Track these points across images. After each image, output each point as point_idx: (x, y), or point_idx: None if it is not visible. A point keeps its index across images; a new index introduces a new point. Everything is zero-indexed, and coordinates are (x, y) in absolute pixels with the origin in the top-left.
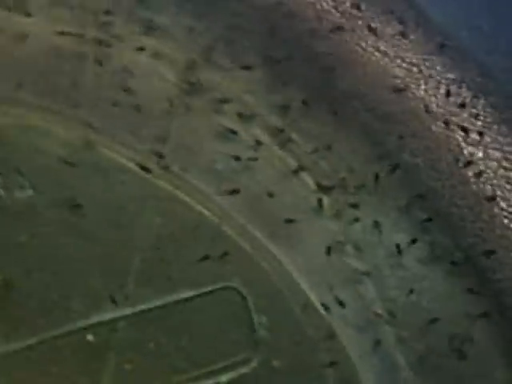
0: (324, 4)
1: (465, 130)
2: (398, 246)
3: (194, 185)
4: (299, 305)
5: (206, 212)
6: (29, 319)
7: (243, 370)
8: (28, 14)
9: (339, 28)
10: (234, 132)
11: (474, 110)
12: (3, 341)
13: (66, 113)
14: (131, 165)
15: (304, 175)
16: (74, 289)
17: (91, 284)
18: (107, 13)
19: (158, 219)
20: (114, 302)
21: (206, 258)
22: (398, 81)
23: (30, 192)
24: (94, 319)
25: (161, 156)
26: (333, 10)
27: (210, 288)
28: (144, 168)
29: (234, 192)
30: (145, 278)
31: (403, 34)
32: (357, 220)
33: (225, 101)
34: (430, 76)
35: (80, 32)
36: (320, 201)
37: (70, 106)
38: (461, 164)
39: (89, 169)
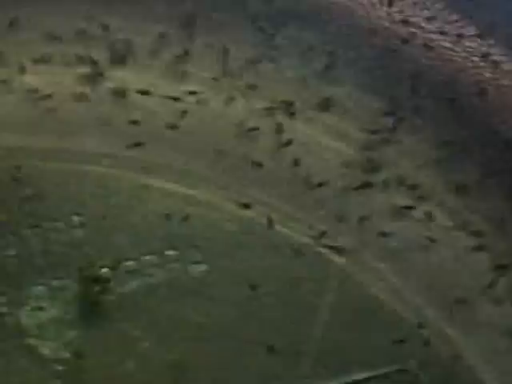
0: None
1: None
2: None
3: (369, 264)
4: None
5: (381, 294)
6: None
7: None
8: None
9: None
10: (409, 209)
11: None
12: None
13: (242, 191)
14: (308, 242)
15: (481, 254)
16: (247, 369)
17: (265, 363)
18: None
19: (334, 299)
20: (288, 382)
21: (381, 340)
22: None
23: (203, 267)
24: None
25: (338, 234)
26: None
27: (385, 370)
28: (320, 246)
29: (408, 271)
30: (320, 358)
31: None
32: None
33: (401, 178)
34: None
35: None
36: (495, 280)
37: (245, 184)
38: None
39: (264, 246)
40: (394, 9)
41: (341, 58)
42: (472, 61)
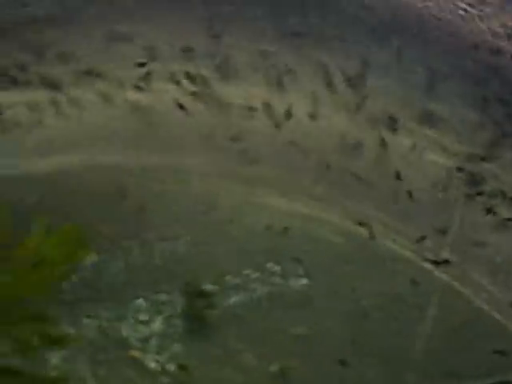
0: None
1: None
2: None
3: (471, 277)
4: None
5: (485, 306)
6: None
7: None
8: None
9: None
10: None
11: None
12: None
13: (344, 204)
14: (410, 255)
15: None
16: (352, 381)
17: (369, 376)
18: None
19: (434, 311)
20: None
21: (483, 352)
22: None
23: (304, 281)
24: None
25: (439, 247)
26: None
27: (487, 382)
28: (422, 259)
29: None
30: (423, 371)
31: None
32: None
33: (504, 191)
34: None
35: None
36: None
37: (347, 197)
38: None
39: (366, 259)
40: (496, 23)
41: (443, 73)
42: None
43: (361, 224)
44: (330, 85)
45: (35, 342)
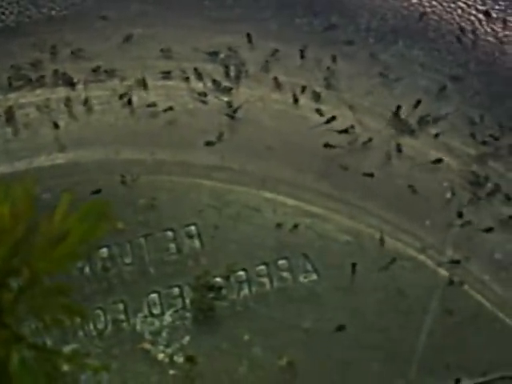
0: None
1: None
2: None
3: (473, 274)
4: None
5: (484, 301)
6: None
7: None
8: None
9: None
10: None
11: None
12: None
13: (352, 202)
14: (415, 253)
15: None
16: (356, 374)
17: (373, 369)
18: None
19: (436, 306)
20: None
21: (485, 347)
22: None
23: (313, 277)
24: None
25: (444, 245)
26: None
27: (488, 377)
28: (427, 256)
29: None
30: (426, 366)
31: None
32: None
33: (508, 191)
34: None
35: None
36: None
37: (354, 195)
38: None
39: (372, 256)
40: (498, 24)
41: (448, 74)
42: None
43: (368, 222)
44: (332, 85)
45: (59, 316)
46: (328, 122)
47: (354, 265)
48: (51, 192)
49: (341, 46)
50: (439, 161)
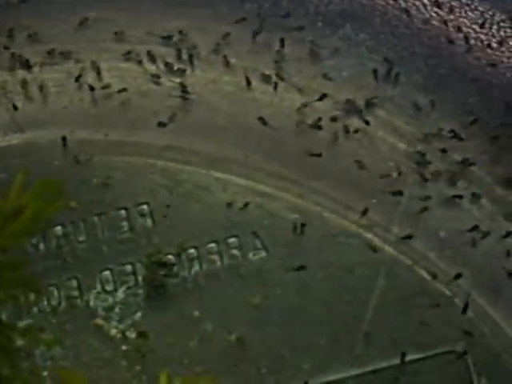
0: None
1: None
2: None
3: (418, 250)
4: None
5: (428, 277)
6: (260, 377)
7: None
8: None
9: None
10: (459, 198)
11: None
12: None
13: (300, 182)
14: (358, 230)
15: None
16: (304, 349)
17: (321, 344)
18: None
19: (383, 282)
20: (342, 362)
21: (427, 322)
22: None
23: (263, 254)
24: (323, 379)
25: (390, 223)
26: None
27: (433, 352)
28: (373, 234)
29: (457, 258)
30: (373, 341)
31: None
32: None
33: (454, 171)
34: None
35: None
36: None
37: (302, 175)
38: None
39: (320, 234)
40: (444, 9)
41: (393, 57)
42: None
43: (315, 201)
44: (281, 68)
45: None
46: (277, 103)
47: (302, 225)
48: (7, 172)
49: (290, 31)
50: (386, 141)
